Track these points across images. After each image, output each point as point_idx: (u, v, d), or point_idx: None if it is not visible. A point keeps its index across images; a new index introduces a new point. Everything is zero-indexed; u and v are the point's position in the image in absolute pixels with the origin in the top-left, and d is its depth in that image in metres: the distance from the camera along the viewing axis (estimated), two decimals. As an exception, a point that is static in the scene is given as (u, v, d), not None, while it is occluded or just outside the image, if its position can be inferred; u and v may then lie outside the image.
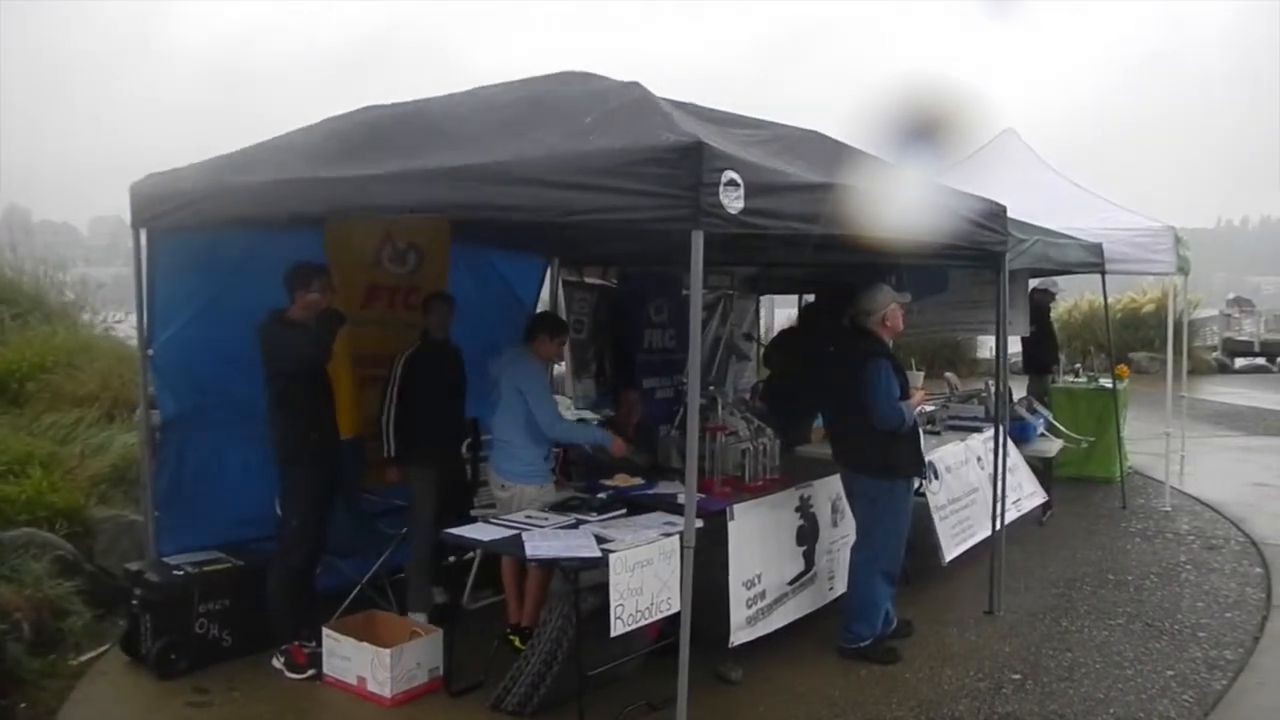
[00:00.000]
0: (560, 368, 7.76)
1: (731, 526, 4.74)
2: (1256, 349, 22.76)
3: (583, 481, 5.49)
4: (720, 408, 5.60)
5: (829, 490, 5.48)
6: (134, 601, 4.87)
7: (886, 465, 5.02)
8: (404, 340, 5.46)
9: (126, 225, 5.13)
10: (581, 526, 4.52)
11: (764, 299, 10.71)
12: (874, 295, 5.14)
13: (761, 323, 11.04)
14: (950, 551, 6.17)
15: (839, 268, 6.93)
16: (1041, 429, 8.22)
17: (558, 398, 6.44)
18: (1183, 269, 8.28)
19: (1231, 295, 26.74)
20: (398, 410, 5.30)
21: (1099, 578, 6.57)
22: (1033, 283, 9.09)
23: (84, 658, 5.01)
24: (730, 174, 3.45)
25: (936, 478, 6.14)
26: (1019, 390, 9.09)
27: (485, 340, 5.75)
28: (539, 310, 7.17)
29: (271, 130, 4.95)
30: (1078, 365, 10.77)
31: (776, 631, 4.96)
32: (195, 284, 5.19)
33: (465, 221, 5.35)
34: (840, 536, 5.52)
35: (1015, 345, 9.40)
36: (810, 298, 8.79)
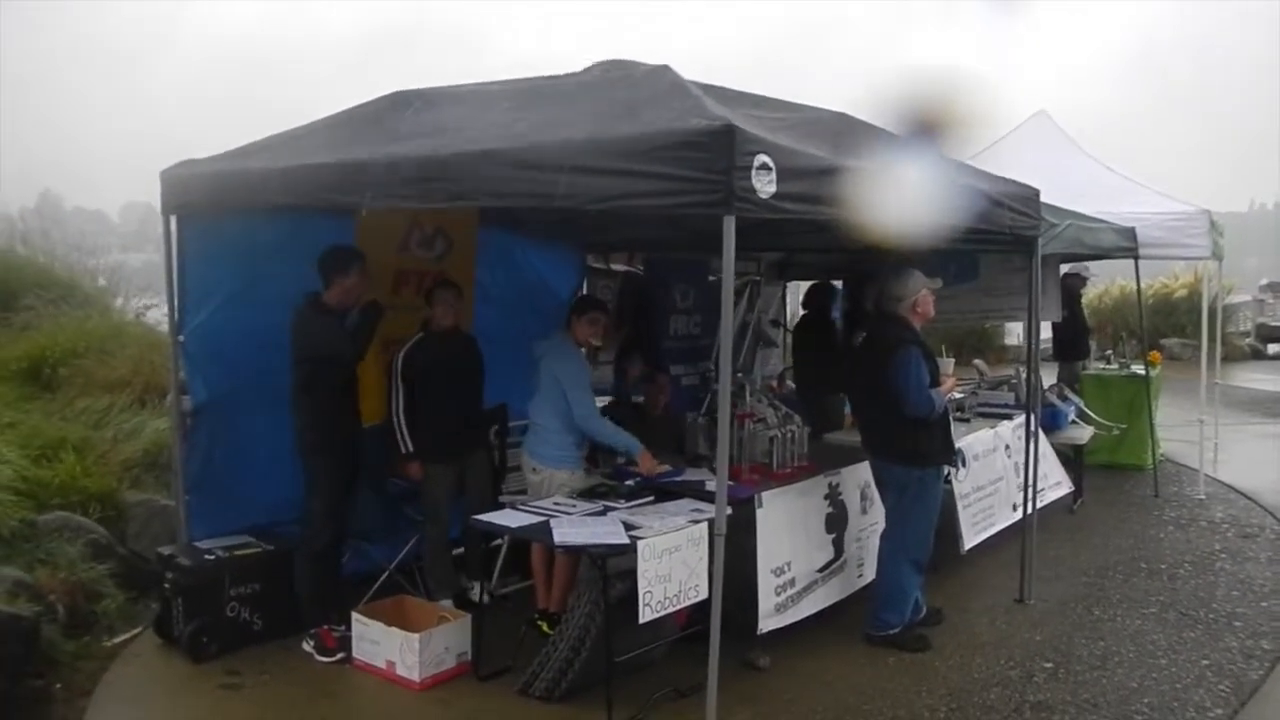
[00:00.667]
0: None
1: (760, 514, 4.72)
2: (1290, 335, 22.38)
3: (610, 468, 5.49)
4: (749, 394, 5.57)
5: (857, 477, 5.44)
6: (166, 585, 4.92)
7: (916, 453, 4.97)
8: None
9: (156, 212, 5.14)
10: (609, 513, 4.52)
11: (790, 285, 10.64)
12: (905, 281, 5.06)
13: (788, 309, 10.98)
14: (970, 540, 6.13)
15: (868, 253, 6.85)
16: (1073, 416, 8.13)
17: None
18: (1217, 254, 8.15)
19: (1265, 280, 26.28)
20: (406, 405, 5.26)
21: (1131, 566, 6.50)
22: (1064, 268, 8.98)
23: (117, 640, 5.08)
24: (763, 157, 3.40)
25: (964, 465, 6.09)
26: (1049, 377, 8.98)
27: (518, 330, 5.74)
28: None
29: (301, 118, 4.94)
30: (1109, 352, 10.61)
31: (804, 619, 4.94)
32: (226, 270, 5.20)
33: (492, 208, 5.32)
34: (869, 524, 5.48)
35: (1045, 331, 9.29)
36: (837, 283, 8.68)
